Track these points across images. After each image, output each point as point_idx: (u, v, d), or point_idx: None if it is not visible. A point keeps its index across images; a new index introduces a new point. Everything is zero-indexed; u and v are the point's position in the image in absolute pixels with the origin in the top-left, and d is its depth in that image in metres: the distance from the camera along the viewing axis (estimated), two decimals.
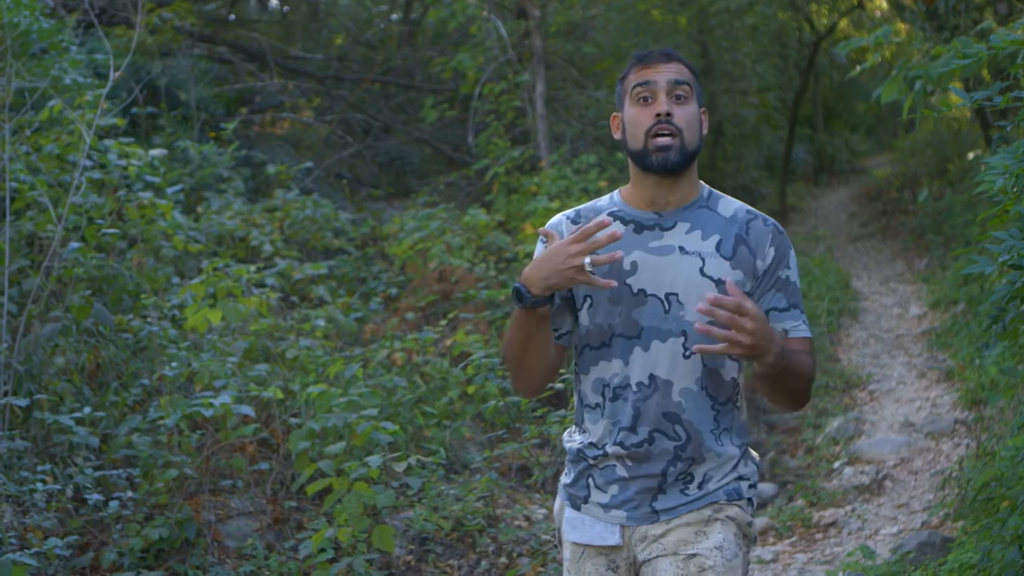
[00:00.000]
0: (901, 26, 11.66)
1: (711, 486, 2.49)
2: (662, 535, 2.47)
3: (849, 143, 22.16)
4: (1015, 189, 3.32)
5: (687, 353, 2.46)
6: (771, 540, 5.63)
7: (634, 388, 2.48)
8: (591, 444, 2.54)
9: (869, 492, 6.06)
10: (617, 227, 2.50)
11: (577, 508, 2.56)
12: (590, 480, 2.55)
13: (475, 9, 11.37)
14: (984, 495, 4.84)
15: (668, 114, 2.45)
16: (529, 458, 5.89)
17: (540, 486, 5.92)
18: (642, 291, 2.48)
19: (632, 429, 2.48)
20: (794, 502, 6.09)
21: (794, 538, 5.62)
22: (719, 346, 2.30)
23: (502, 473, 5.93)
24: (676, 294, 2.46)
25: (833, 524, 5.68)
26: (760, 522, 5.71)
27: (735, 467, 2.51)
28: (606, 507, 2.52)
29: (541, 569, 4.88)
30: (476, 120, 11.33)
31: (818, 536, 5.60)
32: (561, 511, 2.62)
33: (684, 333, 2.45)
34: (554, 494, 5.25)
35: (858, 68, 5.55)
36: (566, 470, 2.63)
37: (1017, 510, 4.06)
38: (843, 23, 17.37)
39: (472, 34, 11.73)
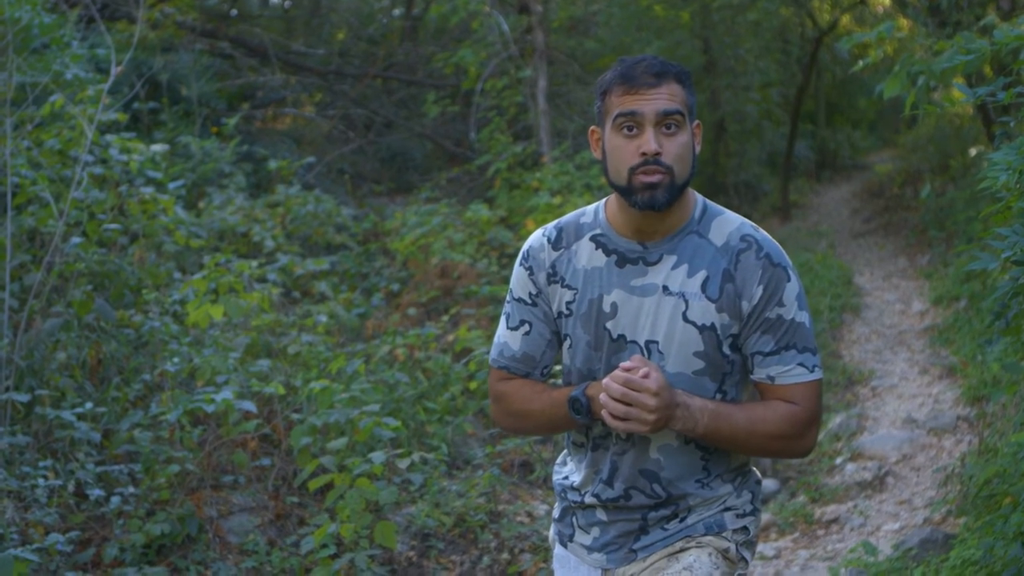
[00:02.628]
0: (903, 22, 11.63)
1: (691, 519, 2.38)
2: (640, 572, 2.39)
3: (851, 139, 22.12)
4: (1018, 185, 3.31)
5: None
6: (773, 536, 5.62)
7: (614, 440, 2.37)
8: (573, 488, 2.47)
9: (871, 488, 6.05)
10: (598, 258, 2.36)
11: (564, 545, 2.52)
12: (574, 519, 2.49)
13: (477, 4, 11.36)
14: (986, 491, 4.83)
15: (656, 153, 2.21)
16: (531, 454, 5.88)
17: (542, 482, 5.92)
18: (622, 336, 2.31)
19: (609, 483, 2.38)
20: (796, 498, 6.08)
21: (796, 534, 5.61)
22: (621, 424, 2.19)
23: (504, 469, 5.92)
24: (657, 342, 2.29)
25: (835, 520, 5.68)
26: (762, 519, 5.71)
27: (723, 501, 2.39)
28: (589, 549, 2.46)
29: (543, 565, 4.88)
30: (478, 116, 11.35)
31: (820, 532, 5.59)
32: (553, 543, 2.58)
33: None
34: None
35: (860, 64, 5.52)
36: (556, 502, 2.58)
37: (1020, 507, 4.05)
38: (845, 19, 17.34)
39: (474, 29, 11.73)
